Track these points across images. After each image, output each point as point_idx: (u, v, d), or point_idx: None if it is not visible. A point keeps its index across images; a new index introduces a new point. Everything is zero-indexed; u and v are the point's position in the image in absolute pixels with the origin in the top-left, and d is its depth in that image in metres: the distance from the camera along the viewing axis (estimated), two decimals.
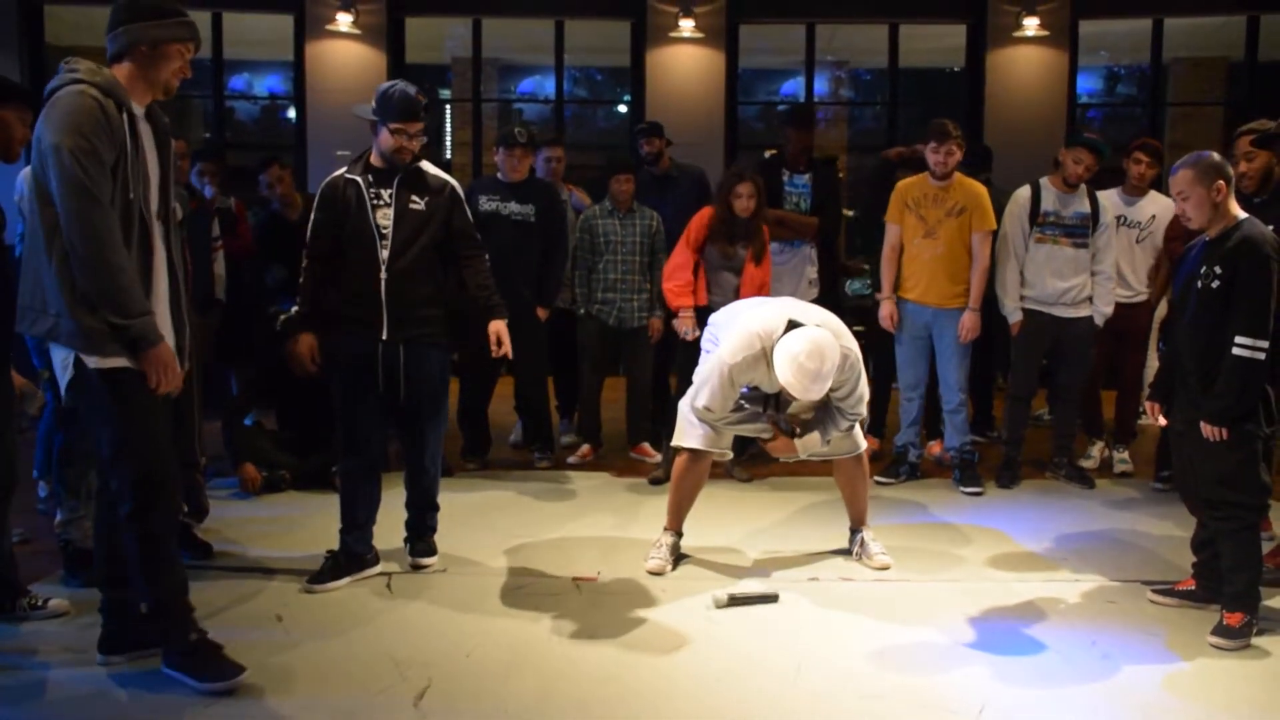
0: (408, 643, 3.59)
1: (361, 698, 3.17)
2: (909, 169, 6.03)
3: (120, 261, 3.01)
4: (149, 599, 3.28)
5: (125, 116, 3.07)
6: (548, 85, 11.29)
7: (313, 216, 4.25)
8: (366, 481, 4.24)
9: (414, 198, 4.20)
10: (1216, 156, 3.78)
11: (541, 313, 5.84)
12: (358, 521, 4.23)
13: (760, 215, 5.53)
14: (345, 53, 9.57)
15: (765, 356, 4.01)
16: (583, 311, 6.06)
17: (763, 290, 5.49)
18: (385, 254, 4.15)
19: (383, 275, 4.13)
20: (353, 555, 4.22)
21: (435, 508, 4.46)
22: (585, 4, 9.90)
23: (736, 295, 5.44)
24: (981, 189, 5.56)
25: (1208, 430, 3.66)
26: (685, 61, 9.67)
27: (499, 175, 5.84)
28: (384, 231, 4.15)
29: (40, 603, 3.77)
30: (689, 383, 5.02)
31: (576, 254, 6.02)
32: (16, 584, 3.79)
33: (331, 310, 4.22)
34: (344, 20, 9.40)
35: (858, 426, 4.44)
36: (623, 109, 11.51)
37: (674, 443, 4.48)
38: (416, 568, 4.34)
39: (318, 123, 9.30)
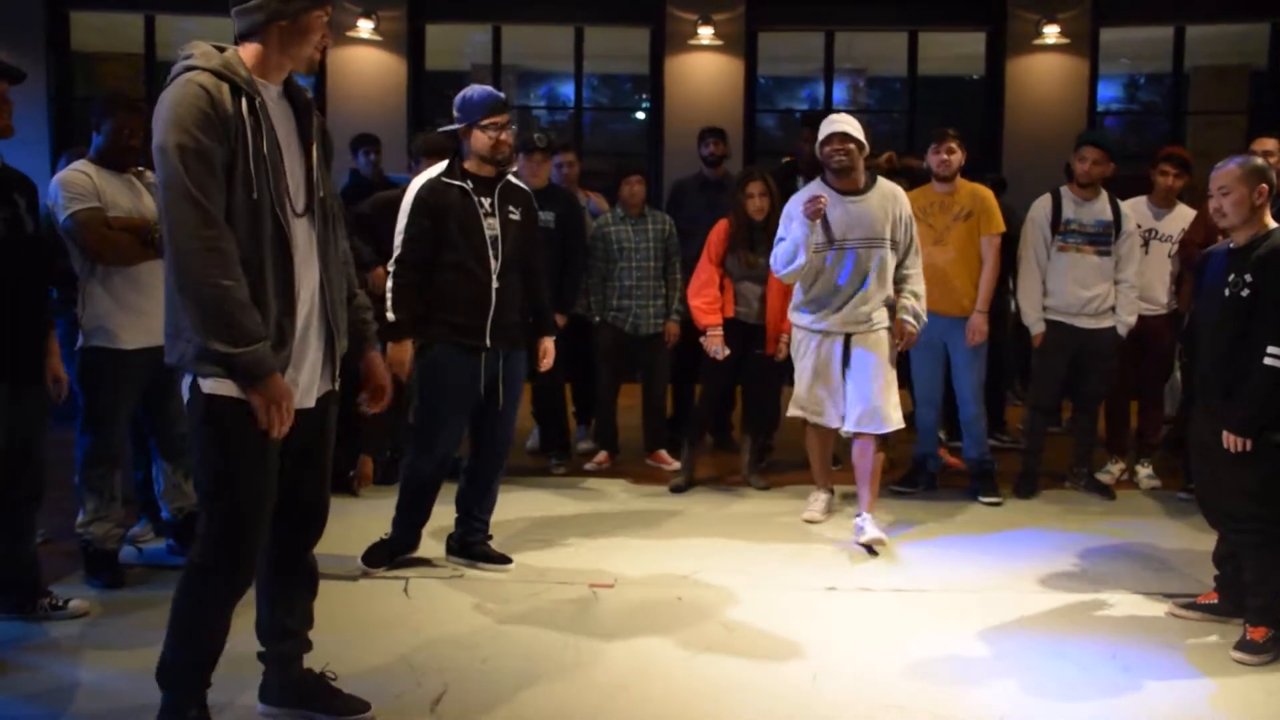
0: (424, 648, 3.59)
1: (378, 703, 3.15)
2: (906, 179, 5.99)
3: (228, 281, 2.55)
4: (171, 652, 2.84)
5: (244, 101, 2.62)
6: (567, 92, 11.31)
7: (410, 221, 4.13)
8: (436, 482, 4.35)
9: (511, 208, 4.24)
10: (1261, 161, 3.78)
11: (559, 319, 5.85)
12: (417, 519, 4.39)
13: (777, 216, 5.39)
14: (366, 59, 9.62)
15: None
16: (598, 319, 6.06)
17: (788, 297, 5.47)
18: (497, 265, 4.16)
19: (494, 285, 4.15)
20: (405, 543, 4.40)
21: (491, 509, 4.54)
22: (604, 11, 9.93)
23: (762, 304, 5.44)
24: (987, 192, 5.53)
25: (1230, 441, 3.63)
26: (704, 69, 9.69)
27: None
28: (495, 242, 4.16)
29: (61, 603, 3.79)
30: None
31: (590, 262, 6.02)
32: (37, 585, 3.82)
33: (427, 319, 4.18)
34: (365, 27, 9.46)
35: (896, 405, 4.88)
36: (640, 115, 11.52)
37: (789, 414, 5.14)
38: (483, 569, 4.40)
39: (338, 129, 9.23)
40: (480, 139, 4.14)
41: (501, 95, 4.20)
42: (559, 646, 3.64)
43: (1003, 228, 5.49)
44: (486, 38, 10.32)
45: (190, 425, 2.77)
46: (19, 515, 3.75)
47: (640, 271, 5.97)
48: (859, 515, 4.83)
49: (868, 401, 4.81)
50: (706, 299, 5.46)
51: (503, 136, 4.13)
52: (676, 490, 5.59)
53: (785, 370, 5.89)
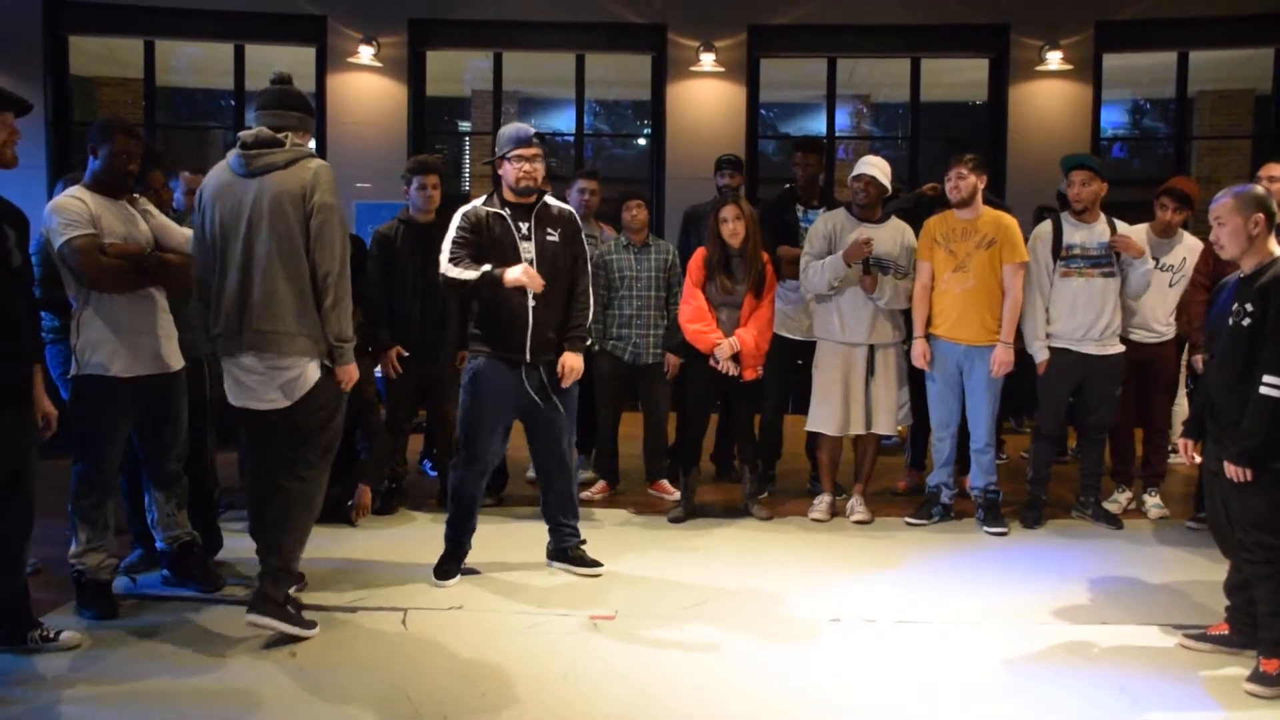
0: (422, 680, 3.54)
1: None
2: (945, 208, 5.95)
3: None
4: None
5: None
6: (568, 118, 11.33)
7: (456, 233, 4.46)
8: (479, 493, 4.64)
9: (549, 230, 4.50)
10: (1261, 190, 3.74)
11: None
12: (469, 527, 4.64)
13: (754, 241, 5.41)
14: (366, 85, 9.63)
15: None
16: (597, 348, 6.00)
17: (769, 329, 5.47)
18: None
19: (531, 304, 4.43)
20: (462, 552, 4.65)
21: (576, 515, 4.81)
22: (606, 38, 9.94)
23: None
24: (1011, 220, 5.45)
25: (1231, 470, 3.58)
26: (706, 95, 9.69)
27: None
28: (530, 265, 4.41)
29: (52, 635, 3.73)
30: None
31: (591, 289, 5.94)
32: (28, 616, 3.75)
33: (472, 334, 4.56)
34: (365, 53, 9.47)
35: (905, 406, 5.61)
36: (642, 142, 11.53)
37: (809, 428, 5.67)
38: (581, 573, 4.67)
39: (338, 155, 9.33)
40: (507, 169, 4.46)
41: (531, 131, 4.51)
42: (559, 679, 3.58)
43: (1026, 256, 5.40)
44: (487, 64, 10.34)
45: (321, 400, 3.81)
46: (9, 545, 3.69)
47: (640, 301, 5.92)
48: (852, 498, 5.68)
49: (891, 409, 5.55)
50: (700, 323, 5.42)
51: (526, 167, 4.43)
52: (675, 521, 5.54)
53: (776, 395, 5.85)
